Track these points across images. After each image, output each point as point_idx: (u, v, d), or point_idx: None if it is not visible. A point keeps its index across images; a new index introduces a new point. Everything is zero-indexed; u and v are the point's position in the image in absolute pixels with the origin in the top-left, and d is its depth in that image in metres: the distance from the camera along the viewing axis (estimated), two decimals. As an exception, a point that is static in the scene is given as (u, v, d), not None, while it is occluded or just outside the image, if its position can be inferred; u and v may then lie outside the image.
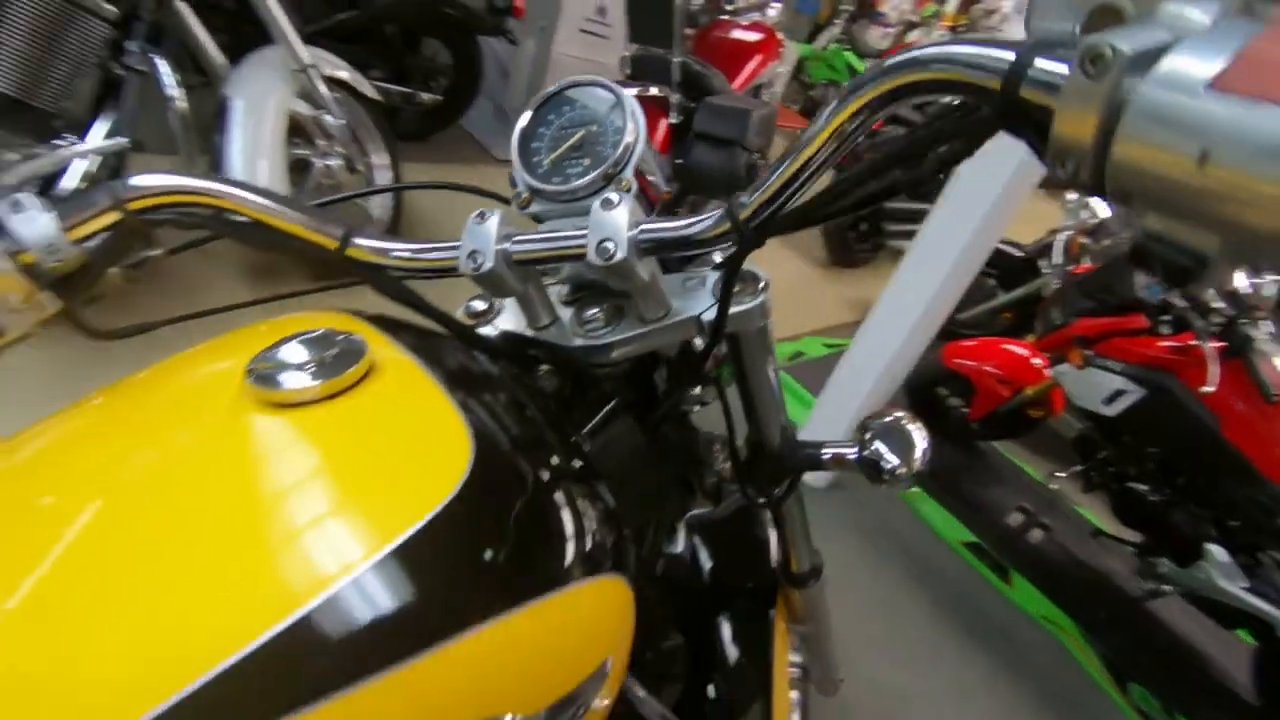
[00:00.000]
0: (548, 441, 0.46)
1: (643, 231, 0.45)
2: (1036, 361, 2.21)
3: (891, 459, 0.60)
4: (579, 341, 0.53)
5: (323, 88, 1.97)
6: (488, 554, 0.36)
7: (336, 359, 0.40)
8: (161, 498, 0.34)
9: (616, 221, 0.44)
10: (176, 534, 0.32)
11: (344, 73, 2.09)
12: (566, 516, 0.41)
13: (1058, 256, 2.74)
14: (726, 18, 3.13)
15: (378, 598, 0.32)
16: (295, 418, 0.37)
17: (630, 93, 0.55)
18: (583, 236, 0.45)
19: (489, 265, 0.47)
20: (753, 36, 3.07)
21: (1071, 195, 2.83)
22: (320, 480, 0.35)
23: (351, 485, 0.35)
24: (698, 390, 0.73)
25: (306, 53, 1.92)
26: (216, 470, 0.35)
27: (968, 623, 1.98)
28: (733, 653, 0.86)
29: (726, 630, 0.87)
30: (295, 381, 0.38)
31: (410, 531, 0.33)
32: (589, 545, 0.41)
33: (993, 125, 0.33)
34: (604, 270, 0.45)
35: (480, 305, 0.60)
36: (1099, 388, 1.97)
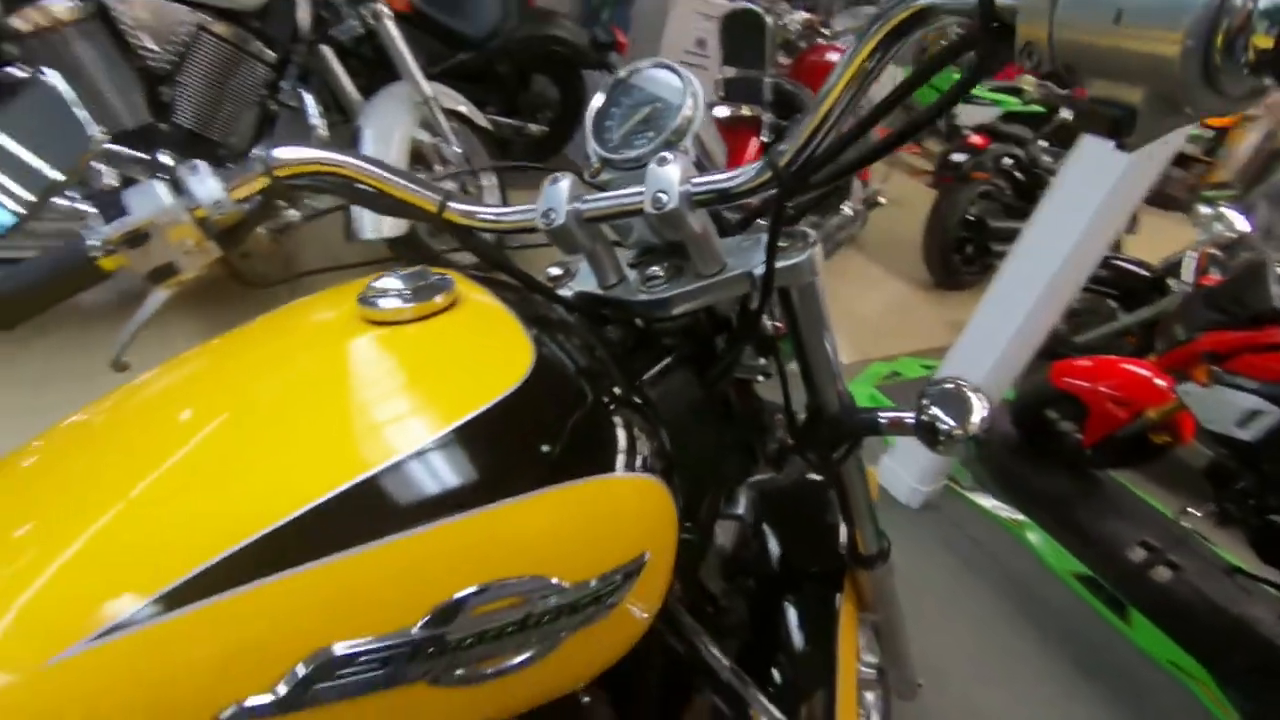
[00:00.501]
0: (603, 367, 0.52)
1: (693, 185, 0.51)
2: (1160, 382, 2.05)
3: (948, 421, 0.61)
4: (642, 297, 0.59)
5: (442, 119, 2.17)
6: (537, 437, 0.43)
7: (428, 290, 0.48)
8: (287, 387, 0.43)
9: (669, 176, 0.50)
10: (295, 410, 0.41)
11: (461, 106, 2.30)
12: (611, 421, 0.47)
13: (1188, 274, 2.54)
14: (824, 42, 3.17)
15: (443, 461, 0.39)
16: (391, 331, 0.46)
17: (693, 76, 0.61)
18: (642, 193, 0.51)
19: (560, 221, 0.54)
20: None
21: (1204, 209, 2.62)
22: (406, 376, 0.44)
23: (431, 380, 0.43)
24: (761, 361, 0.76)
25: (429, 88, 2.14)
26: (327, 368, 0.45)
27: (1076, 654, 1.83)
28: (798, 637, 0.86)
29: (792, 614, 0.88)
30: (393, 304, 0.47)
31: (473, 414, 0.41)
32: (630, 447, 0.47)
33: (975, 41, 0.37)
34: (659, 220, 0.51)
35: (557, 270, 0.68)
36: (1231, 408, 1.80)
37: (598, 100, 0.61)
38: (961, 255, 3.88)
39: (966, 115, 5.31)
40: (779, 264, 0.55)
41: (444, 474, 0.39)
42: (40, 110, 0.56)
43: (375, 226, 1.82)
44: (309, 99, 1.95)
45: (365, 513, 0.37)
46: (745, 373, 0.76)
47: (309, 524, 0.36)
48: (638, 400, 0.53)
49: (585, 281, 0.64)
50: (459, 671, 0.39)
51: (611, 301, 0.61)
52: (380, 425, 0.40)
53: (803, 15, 3.11)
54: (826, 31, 3.23)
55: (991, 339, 1.90)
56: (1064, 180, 1.74)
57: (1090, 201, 1.65)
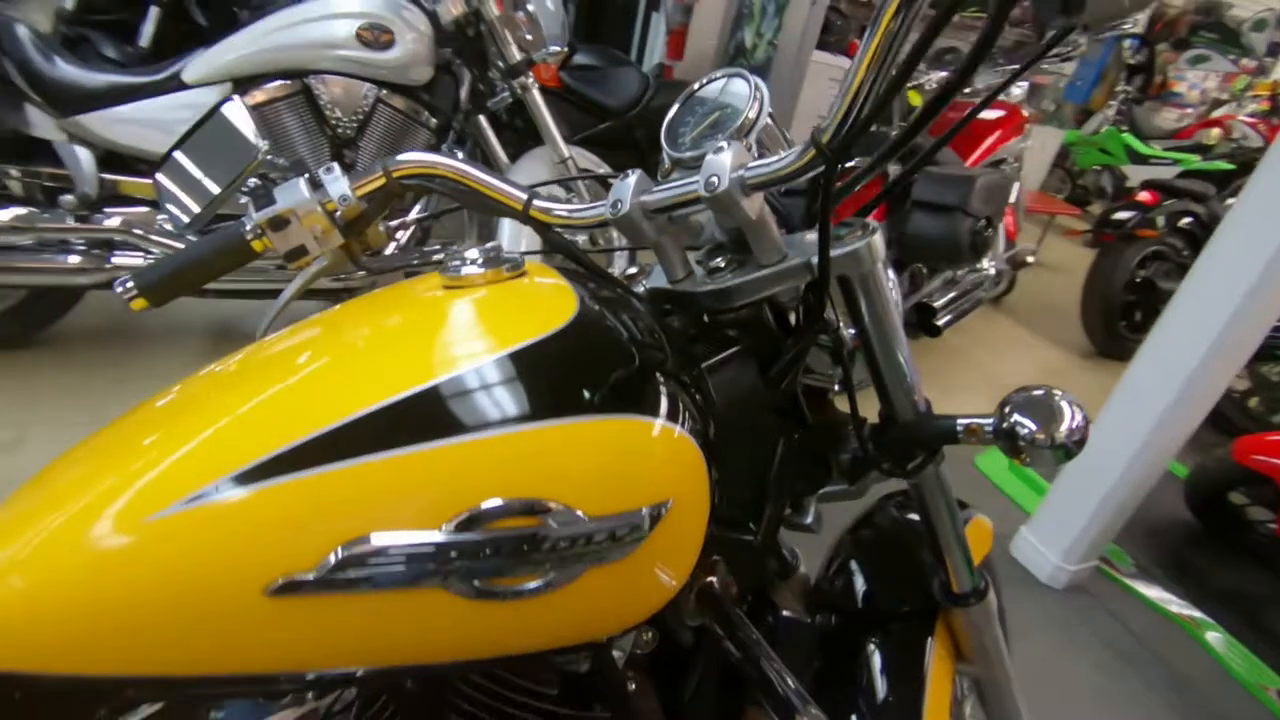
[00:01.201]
0: (651, 335, 0.54)
1: (746, 169, 0.54)
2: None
3: (1029, 424, 0.57)
4: (706, 288, 0.62)
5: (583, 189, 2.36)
6: (571, 373, 0.46)
7: (498, 261, 0.54)
8: (374, 331, 0.51)
9: (722, 161, 0.53)
10: (376, 346, 0.49)
11: (600, 168, 2.49)
12: (649, 374, 0.49)
13: None
14: (962, 100, 3.10)
15: (483, 384, 0.44)
16: (463, 291, 0.53)
17: (761, 83, 0.64)
18: (698, 182, 0.55)
19: (625, 209, 0.59)
20: (991, 115, 3.01)
21: None
22: (467, 320, 0.50)
23: (487, 323, 0.49)
24: (833, 372, 0.75)
25: (566, 150, 2.33)
26: (407, 316, 0.52)
27: (1269, 789, 1.51)
28: (880, 683, 0.80)
29: (876, 656, 0.82)
30: (467, 270, 0.53)
31: (514, 348, 0.46)
32: (667, 403, 0.48)
33: None
34: (713, 204, 0.54)
35: (633, 269, 0.72)
36: None
37: (673, 110, 0.66)
38: (1128, 321, 3.50)
39: (1140, 176, 4.89)
40: (836, 251, 0.56)
41: (481, 395, 0.44)
42: (218, 135, 0.70)
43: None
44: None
45: (410, 420, 0.42)
46: (818, 380, 0.75)
47: (364, 425, 0.42)
48: (684, 369, 0.55)
49: (657, 280, 0.68)
50: (476, 583, 0.41)
51: (678, 295, 0.64)
52: (435, 351, 0.46)
53: (942, 75, 3.07)
54: (967, 90, 3.16)
55: (1147, 403, 1.69)
56: (1235, 220, 1.55)
57: (1268, 244, 1.46)
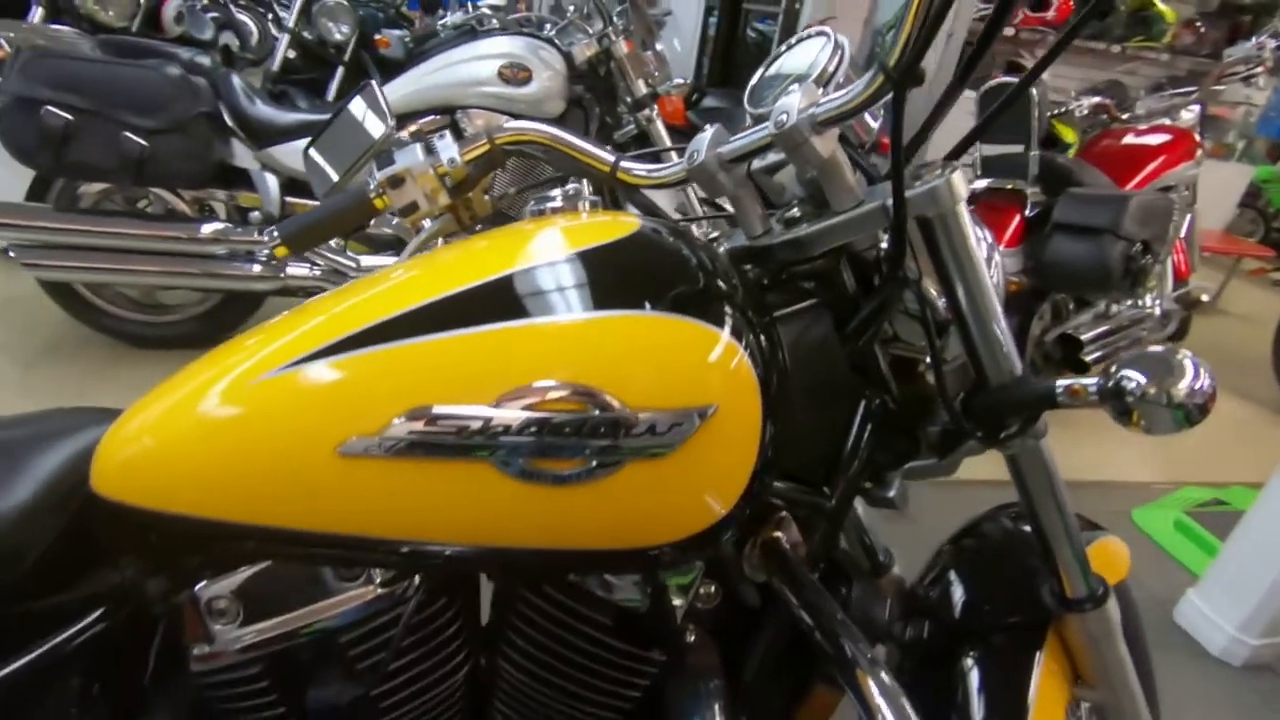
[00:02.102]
0: (723, 268, 0.55)
1: (816, 106, 0.54)
2: None
3: (1139, 377, 0.51)
4: (782, 238, 0.62)
5: (694, 200, 2.42)
6: (633, 272, 0.50)
7: (577, 199, 0.59)
8: (471, 249, 0.56)
9: (791, 100, 0.54)
10: (470, 256, 0.53)
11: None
12: (711, 289, 0.50)
13: None
14: (1119, 126, 2.86)
15: (543, 278, 0.48)
16: (545, 220, 0.58)
17: (844, 39, 0.64)
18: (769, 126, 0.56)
19: (700, 159, 0.61)
20: (1155, 139, 2.75)
21: None
22: (544, 234, 0.54)
23: (561, 234, 0.53)
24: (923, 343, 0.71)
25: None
26: (494, 238, 0.57)
27: None
28: (978, 705, 0.72)
29: (974, 673, 0.75)
30: (552, 205, 0.58)
31: (583, 248, 0.50)
32: (725, 314, 0.49)
33: None
34: (784, 142, 0.54)
35: (715, 234, 0.74)
36: None
37: (758, 74, 0.68)
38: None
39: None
40: (911, 192, 0.55)
41: (541, 285, 0.47)
42: (358, 114, 0.81)
43: None
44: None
45: (474, 304, 0.46)
46: (908, 351, 0.72)
47: (432, 308, 0.46)
48: (754, 310, 0.55)
49: (736, 241, 0.69)
50: (521, 462, 0.44)
51: (755, 251, 0.65)
52: (506, 253, 0.51)
53: (1094, 100, 2.85)
54: (1125, 116, 2.91)
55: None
56: None
57: None
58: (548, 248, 0.50)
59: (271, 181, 2.04)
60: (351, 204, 0.74)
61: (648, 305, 0.47)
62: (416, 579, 0.54)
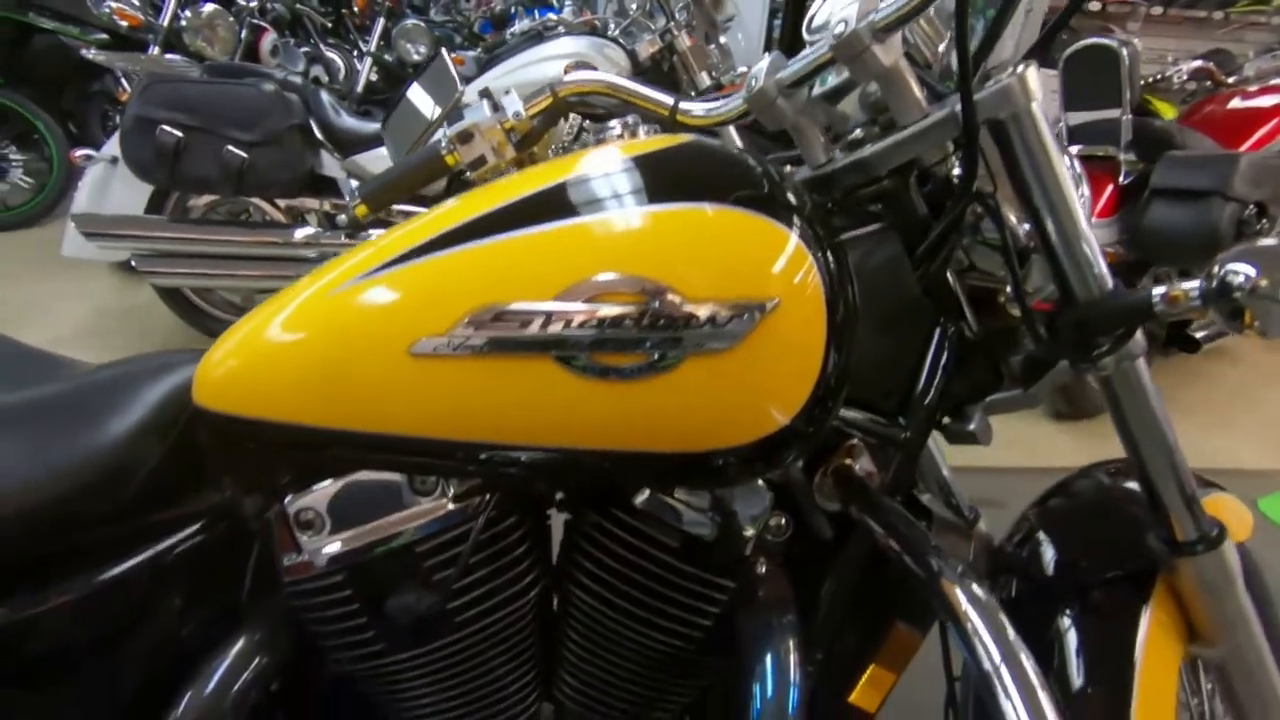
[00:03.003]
0: (789, 180, 0.54)
1: (875, 12, 0.53)
2: None
3: (1247, 269, 0.47)
4: (846, 161, 0.61)
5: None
6: (695, 167, 0.50)
7: (636, 128, 0.60)
8: (545, 167, 0.56)
9: (849, 10, 0.53)
10: (535, 170, 0.54)
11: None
12: (776, 190, 0.50)
13: None
14: (1225, 90, 2.64)
15: (613, 174, 0.49)
16: (609, 143, 0.58)
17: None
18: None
19: (759, 86, 0.61)
20: (1269, 99, 2.52)
21: None
22: (607, 148, 0.54)
23: (624, 148, 0.53)
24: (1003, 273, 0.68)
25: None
26: (562, 159, 0.57)
27: None
28: (1076, 671, 0.66)
29: (1071, 635, 0.69)
30: (612, 132, 0.59)
31: (643, 153, 0.50)
32: (790, 211, 0.48)
33: None
34: (844, 52, 0.53)
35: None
36: None
37: (816, 5, 0.67)
38: None
39: None
40: (980, 94, 0.53)
41: (602, 184, 0.48)
42: (431, 81, 0.86)
43: None
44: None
45: (536, 206, 0.48)
46: (987, 281, 0.69)
47: (496, 213, 0.48)
48: (812, 213, 0.53)
49: (800, 176, 0.68)
50: (584, 357, 0.45)
51: (819, 179, 0.64)
52: (569, 164, 0.52)
53: (1194, 64, 2.65)
54: (1232, 80, 2.69)
55: None
56: None
57: None
58: (607, 156, 0.51)
59: (356, 187, 2.17)
60: (424, 161, 0.78)
61: (710, 199, 0.47)
62: (487, 496, 0.55)
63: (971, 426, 0.67)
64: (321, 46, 3.78)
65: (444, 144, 0.76)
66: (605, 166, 0.49)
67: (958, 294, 0.65)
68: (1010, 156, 0.55)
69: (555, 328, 0.44)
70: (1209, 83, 2.74)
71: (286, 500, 0.55)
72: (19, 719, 0.56)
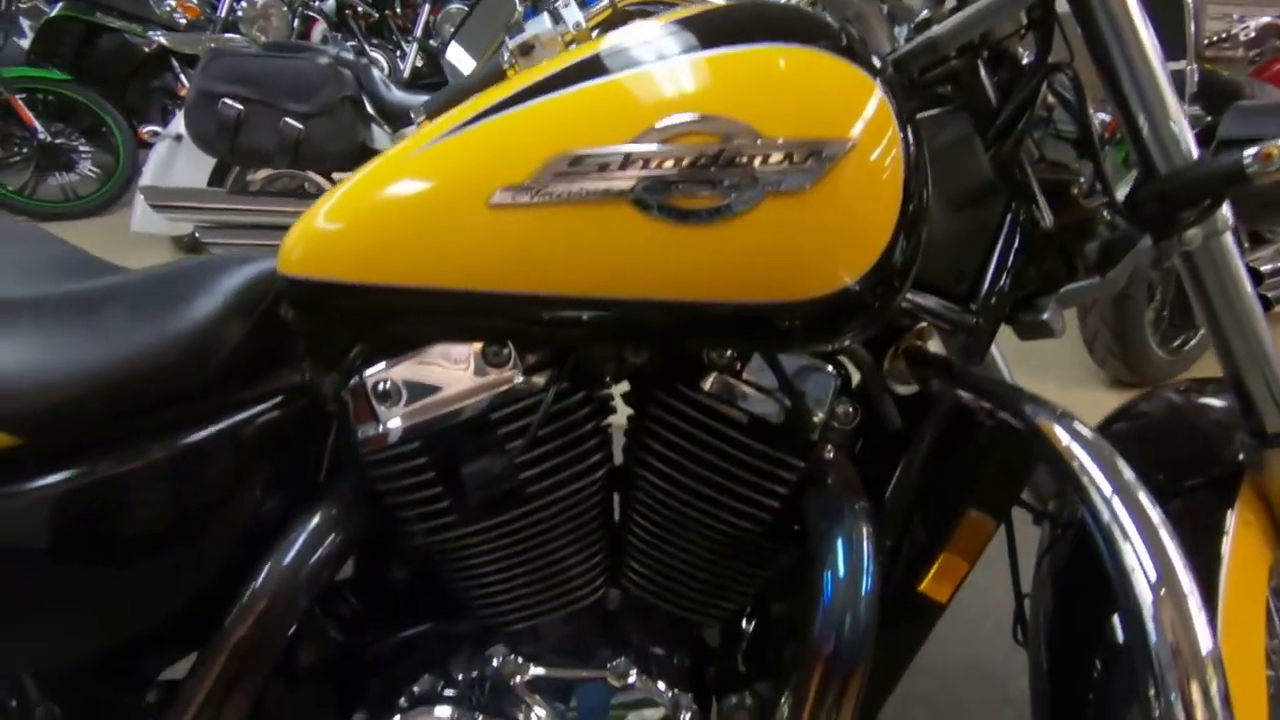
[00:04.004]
0: (857, 34, 0.54)
1: None
2: None
3: None
4: (912, 44, 0.60)
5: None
6: (768, 13, 0.50)
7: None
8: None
9: None
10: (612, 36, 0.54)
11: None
12: (852, 40, 0.49)
13: None
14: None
15: (685, 24, 0.49)
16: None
17: None
18: None
19: None
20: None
21: None
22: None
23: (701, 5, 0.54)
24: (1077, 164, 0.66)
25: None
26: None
27: None
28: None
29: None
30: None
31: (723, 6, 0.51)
32: (860, 52, 0.48)
33: None
34: None
35: None
36: None
37: None
38: None
39: None
40: None
41: (675, 32, 0.48)
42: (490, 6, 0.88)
43: None
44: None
45: (608, 58, 0.49)
46: (1061, 174, 0.68)
47: (571, 68, 0.49)
48: (890, 76, 0.52)
49: None
50: (659, 198, 0.45)
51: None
52: (640, 26, 0.52)
53: (1263, 20, 2.53)
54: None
55: None
56: None
57: None
58: (687, 11, 0.51)
59: (423, 103, 2.22)
60: (487, 75, 0.80)
61: (795, 40, 0.47)
62: (558, 369, 0.56)
63: (1045, 316, 0.65)
64: (367, 47, 3.89)
65: (506, 57, 0.78)
66: (683, 18, 0.49)
67: (1031, 180, 0.63)
68: (1089, 21, 0.54)
69: (632, 170, 0.45)
70: (1277, 41, 2.61)
71: (365, 373, 0.56)
72: (104, 586, 0.59)
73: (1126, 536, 0.41)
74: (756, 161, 0.44)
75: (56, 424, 0.53)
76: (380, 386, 0.56)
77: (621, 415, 0.66)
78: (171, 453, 0.56)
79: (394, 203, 0.50)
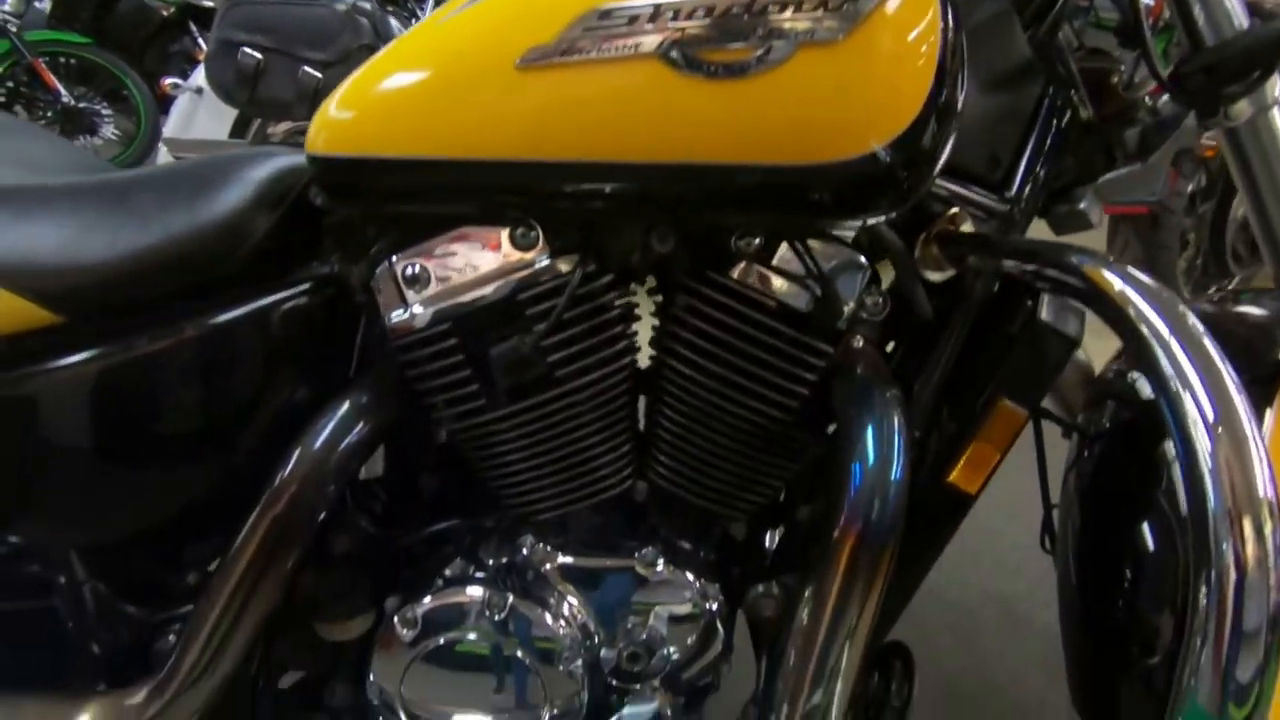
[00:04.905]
0: None
1: None
2: None
3: None
4: None
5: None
6: None
7: None
8: None
9: None
10: None
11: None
12: None
13: None
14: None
15: None
16: None
17: None
18: None
19: None
20: None
21: None
22: None
23: None
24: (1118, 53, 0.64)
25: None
26: None
27: None
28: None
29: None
30: None
31: None
32: None
33: None
34: None
35: None
36: None
37: None
38: None
39: None
40: None
41: None
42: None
43: None
44: None
45: None
46: (1101, 63, 0.66)
47: None
48: None
49: None
50: (690, 52, 0.44)
51: None
52: None
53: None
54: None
55: None
56: None
57: None
58: None
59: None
60: None
61: None
62: (585, 252, 0.56)
63: (1082, 205, 0.64)
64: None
65: None
66: None
67: (1071, 66, 0.62)
68: None
69: (661, 22, 0.44)
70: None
71: (394, 258, 0.57)
72: (141, 464, 0.60)
73: (1186, 384, 0.38)
74: (789, 9, 0.43)
75: (94, 303, 0.55)
76: (409, 271, 0.56)
77: (649, 322, 0.66)
78: (204, 333, 0.57)
79: (424, 68, 0.50)
